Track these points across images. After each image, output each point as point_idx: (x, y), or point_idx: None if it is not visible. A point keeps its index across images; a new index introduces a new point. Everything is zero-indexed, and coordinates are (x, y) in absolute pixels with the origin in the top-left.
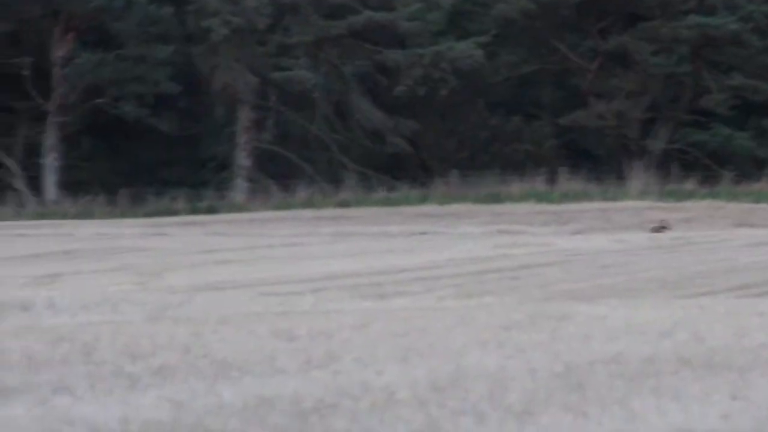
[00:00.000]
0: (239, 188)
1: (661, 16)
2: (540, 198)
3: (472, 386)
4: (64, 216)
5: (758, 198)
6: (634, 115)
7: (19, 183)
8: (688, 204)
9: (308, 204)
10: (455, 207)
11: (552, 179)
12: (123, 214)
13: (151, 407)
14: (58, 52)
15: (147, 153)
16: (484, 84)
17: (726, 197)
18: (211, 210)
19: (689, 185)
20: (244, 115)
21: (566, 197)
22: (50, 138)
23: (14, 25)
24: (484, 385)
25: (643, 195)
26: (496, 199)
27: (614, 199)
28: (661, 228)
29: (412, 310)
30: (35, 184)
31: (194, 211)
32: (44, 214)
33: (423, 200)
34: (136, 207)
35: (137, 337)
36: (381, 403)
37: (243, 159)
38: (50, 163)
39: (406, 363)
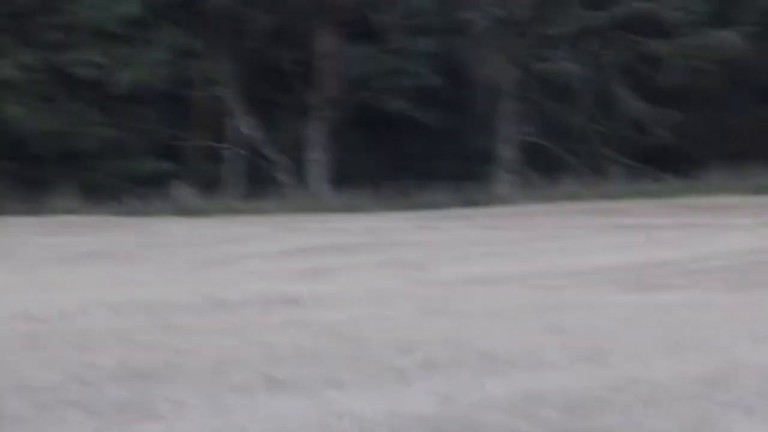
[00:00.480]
0: (503, 181)
1: None
2: None
3: (742, 381)
4: (331, 210)
5: None
6: None
7: (286, 177)
8: None
9: (572, 196)
10: (721, 199)
11: None
12: (389, 208)
13: (419, 401)
14: (323, 46)
15: (412, 146)
16: (749, 73)
17: None
18: (475, 203)
19: None
20: (507, 107)
21: None
22: (315, 132)
23: (279, 19)
24: (755, 380)
25: None
26: (764, 190)
27: None
28: None
29: (679, 304)
30: (302, 178)
31: (459, 204)
32: (311, 208)
33: (688, 192)
34: (402, 200)
35: (406, 331)
36: (650, 397)
37: (506, 151)
38: (316, 157)
39: (674, 357)
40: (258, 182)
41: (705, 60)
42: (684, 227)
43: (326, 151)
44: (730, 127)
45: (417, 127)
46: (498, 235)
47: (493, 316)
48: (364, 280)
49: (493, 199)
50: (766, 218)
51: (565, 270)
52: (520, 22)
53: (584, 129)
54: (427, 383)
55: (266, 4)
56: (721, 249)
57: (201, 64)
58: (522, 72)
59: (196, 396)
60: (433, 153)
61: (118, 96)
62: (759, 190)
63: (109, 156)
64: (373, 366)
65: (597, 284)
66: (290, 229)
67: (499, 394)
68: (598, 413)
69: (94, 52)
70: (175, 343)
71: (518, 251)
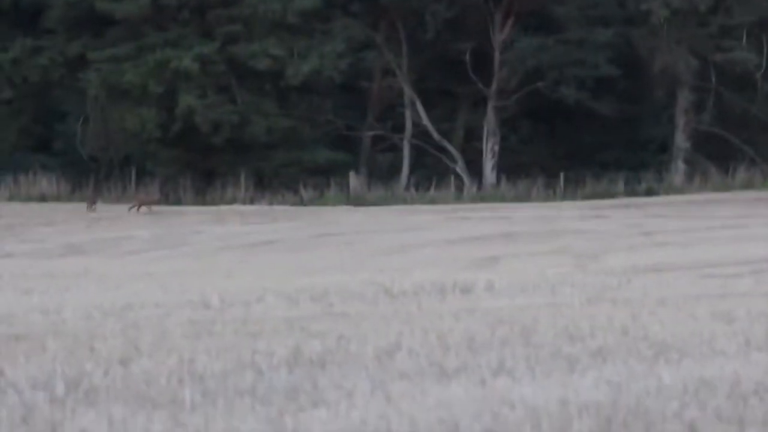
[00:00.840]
0: (678, 170)
1: None
2: None
3: None
4: (503, 199)
5: None
6: None
7: (460, 167)
8: None
9: (748, 185)
10: None
11: None
12: (561, 197)
13: (590, 389)
14: (499, 36)
15: (586, 136)
16: None
17: None
18: (649, 192)
19: None
20: (684, 97)
21: None
22: (490, 122)
23: (457, 11)
24: None
25: None
26: None
27: None
28: None
29: None
30: (475, 168)
31: (632, 193)
32: (483, 197)
33: None
34: (575, 190)
35: (576, 320)
36: None
37: (682, 141)
38: (490, 147)
39: None
40: (432, 172)
41: None
42: None
43: (500, 142)
44: None
45: (592, 117)
46: (671, 224)
47: (665, 305)
48: (536, 268)
49: (667, 188)
50: None
51: (739, 259)
52: (700, 13)
53: (762, 118)
54: (598, 371)
55: None
56: None
57: (378, 56)
58: (700, 62)
59: (365, 383)
60: (607, 142)
61: (294, 87)
62: None
63: (284, 146)
64: (544, 354)
65: None
66: (463, 218)
67: (670, 383)
68: None
69: (272, 44)
70: (347, 331)
71: (692, 240)
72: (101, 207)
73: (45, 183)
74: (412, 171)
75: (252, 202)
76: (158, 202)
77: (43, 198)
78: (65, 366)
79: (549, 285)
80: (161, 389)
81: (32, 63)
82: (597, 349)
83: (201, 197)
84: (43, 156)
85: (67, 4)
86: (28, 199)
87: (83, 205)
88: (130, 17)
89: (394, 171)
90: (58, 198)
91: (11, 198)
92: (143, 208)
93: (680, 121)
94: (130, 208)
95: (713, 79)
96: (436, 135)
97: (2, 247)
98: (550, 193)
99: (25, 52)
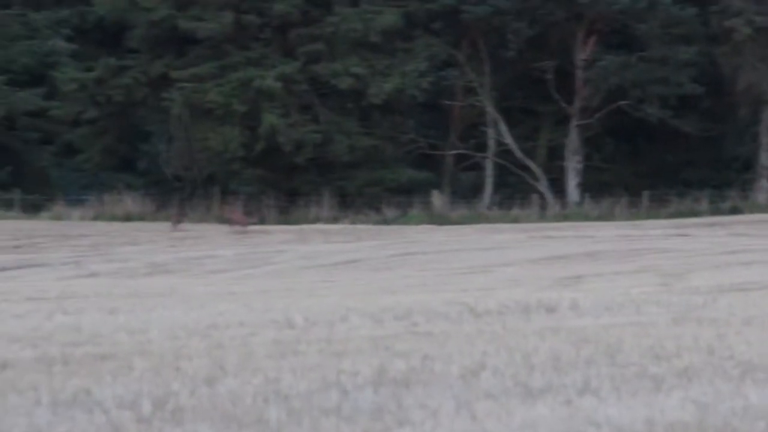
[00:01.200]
0: (762, 188)
1: None
2: None
3: None
4: (586, 218)
5: None
6: None
7: (542, 186)
8: None
9: None
10: None
11: None
12: (645, 216)
13: (676, 409)
14: (581, 54)
15: (669, 154)
16: None
17: None
18: (734, 211)
19: None
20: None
21: None
22: (572, 141)
23: (540, 29)
24: None
25: None
26: None
27: None
28: None
29: None
30: (558, 186)
31: (717, 211)
32: (567, 216)
33: None
34: (659, 208)
35: (661, 339)
36: None
37: (766, 159)
38: (572, 165)
39: None
40: (515, 190)
41: None
42: None
43: (583, 160)
44: None
45: (675, 135)
46: (757, 242)
47: (751, 324)
48: (620, 287)
49: (752, 207)
50: None
51: None
52: None
53: None
54: (685, 391)
55: (526, 14)
56: None
57: (460, 74)
58: None
59: (450, 402)
60: (691, 161)
61: (377, 106)
62: None
63: (366, 165)
64: (629, 373)
65: None
66: (546, 236)
67: (758, 402)
68: None
69: (354, 63)
70: (431, 350)
71: None
72: (186, 226)
73: (129, 202)
74: (495, 190)
75: (335, 221)
76: (249, 223)
77: (127, 217)
78: (151, 385)
79: (634, 304)
80: (246, 409)
81: (116, 82)
82: (683, 369)
83: (284, 216)
84: (128, 175)
85: (151, 24)
86: (113, 218)
87: (168, 225)
88: (212, 36)
89: (476, 190)
90: (142, 217)
91: (96, 217)
92: (237, 227)
93: (764, 139)
94: (229, 223)
95: None
96: (518, 153)
97: (88, 266)
98: (634, 212)
99: (109, 72)
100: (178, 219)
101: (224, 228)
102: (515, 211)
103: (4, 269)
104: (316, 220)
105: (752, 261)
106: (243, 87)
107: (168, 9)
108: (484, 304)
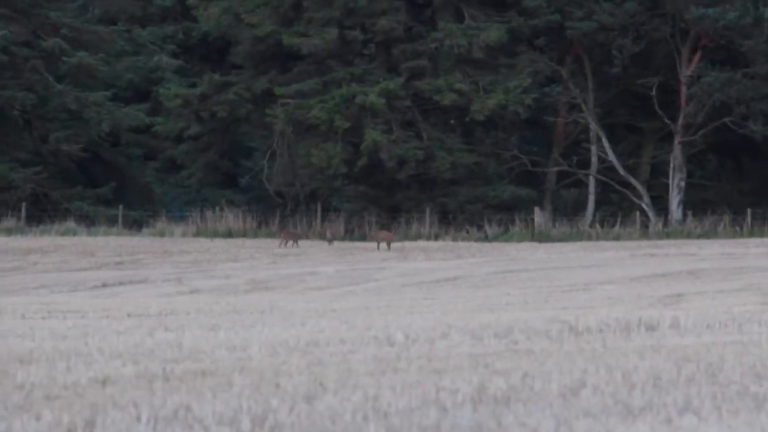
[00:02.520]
0: None
1: None
2: None
3: None
4: (689, 236)
5: None
6: None
7: (645, 203)
8: None
9: None
10: None
11: None
12: (748, 234)
13: None
14: (686, 71)
15: None
16: None
17: None
18: None
19: None
20: None
21: None
22: (676, 158)
23: (644, 46)
24: None
25: None
26: None
27: None
28: None
29: None
30: (661, 204)
31: None
32: (669, 234)
33: None
34: (762, 226)
35: (763, 358)
36: None
37: None
38: (676, 183)
39: None
40: (617, 208)
41: None
42: None
43: (687, 177)
44: None
45: None
46: None
47: None
48: (722, 305)
49: None
50: None
51: None
52: None
53: None
54: None
55: (631, 30)
56: None
57: (563, 90)
58: None
59: (549, 421)
60: None
61: (479, 122)
62: None
63: (468, 182)
64: (731, 393)
65: None
66: (648, 254)
67: None
68: None
69: (457, 79)
70: (531, 368)
71: None
72: (298, 245)
73: (231, 218)
74: (597, 207)
75: (436, 238)
76: (299, 237)
77: (229, 233)
78: (251, 402)
79: (736, 323)
80: (346, 426)
81: (220, 98)
82: None
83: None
84: (230, 191)
85: (255, 39)
86: (215, 234)
87: (269, 241)
88: (316, 52)
89: (579, 207)
90: (244, 234)
91: (198, 234)
92: (289, 243)
93: None
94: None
95: None
96: (621, 170)
97: (189, 282)
98: (737, 230)
99: (213, 88)
100: (293, 237)
101: (325, 245)
102: (617, 229)
103: (106, 285)
104: (417, 237)
105: None
106: (346, 103)
107: (272, 25)
108: (585, 322)
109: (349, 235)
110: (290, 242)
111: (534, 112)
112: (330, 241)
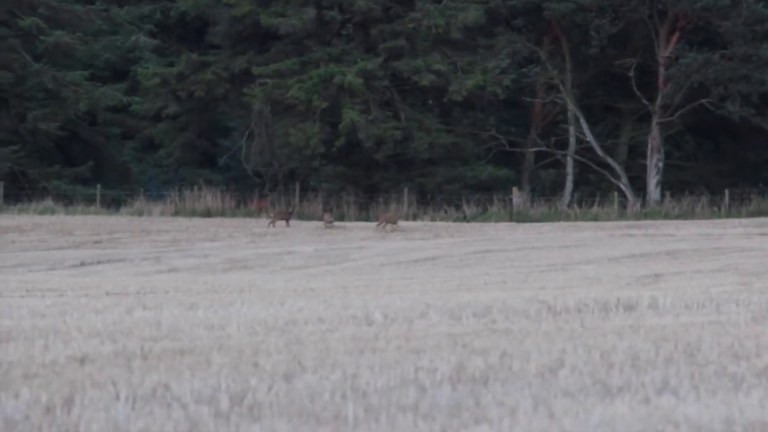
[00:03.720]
0: None
1: None
2: None
3: None
4: (667, 216)
5: None
6: None
7: (623, 184)
8: None
9: None
10: None
11: None
12: (726, 214)
13: (755, 408)
14: (664, 52)
15: (751, 152)
16: None
17: None
18: None
19: None
20: None
21: None
22: (654, 138)
23: (622, 27)
24: None
25: None
26: None
27: None
28: None
29: None
30: (639, 184)
31: None
32: (647, 214)
33: None
34: (740, 207)
35: (741, 338)
36: None
37: None
38: (654, 163)
39: None
40: (595, 188)
41: None
42: None
43: (664, 158)
44: None
45: (758, 133)
46: None
47: None
48: (700, 286)
49: None
50: None
51: None
52: None
53: None
54: (764, 390)
55: (609, 11)
56: None
57: (541, 71)
58: None
59: (528, 400)
60: None
61: (457, 102)
62: None
63: (446, 162)
64: (709, 372)
65: None
66: (626, 235)
67: None
68: None
69: (435, 60)
70: (509, 348)
71: None
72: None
73: (209, 198)
74: (575, 187)
75: (415, 218)
76: (289, 216)
77: (207, 213)
78: (229, 381)
79: (713, 303)
80: (325, 405)
81: (197, 78)
82: (762, 368)
83: (364, 213)
84: (208, 171)
85: (233, 19)
86: (193, 213)
87: (247, 220)
88: (294, 32)
89: (557, 187)
90: (222, 213)
91: (176, 213)
92: (280, 222)
93: None
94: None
95: None
96: (599, 151)
97: (167, 261)
98: (715, 210)
99: (191, 68)
100: (284, 217)
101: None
102: (595, 209)
103: (84, 264)
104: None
105: None
106: (324, 83)
107: (250, 5)
108: (563, 301)
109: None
110: (279, 221)
111: (512, 92)
112: (329, 222)
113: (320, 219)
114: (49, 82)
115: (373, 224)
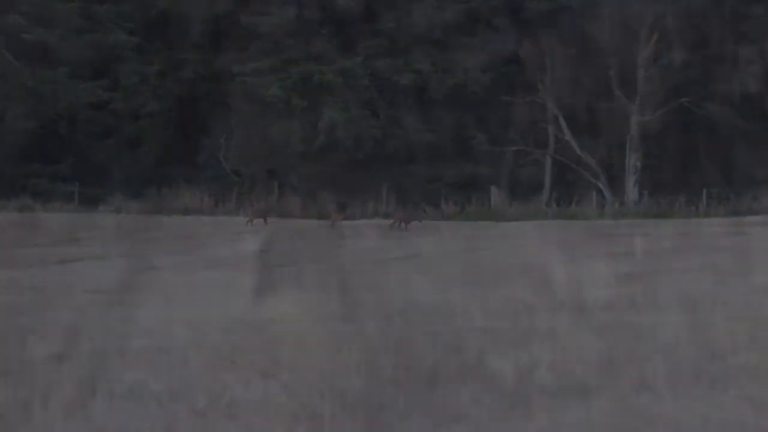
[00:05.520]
0: None
1: None
2: None
3: None
4: (645, 215)
5: None
6: None
7: (602, 183)
8: None
9: None
10: None
11: None
12: (704, 214)
13: (734, 407)
14: (643, 52)
15: (730, 152)
16: None
17: None
18: None
19: None
20: None
21: None
22: (633, 138)
23: (601, 26)
24: None
25: None
26: None
27: None
28: None
29: None
30: (617, 183)
31: None
32: (625, 213)
33: None
34: (718, 206)
35: (719, 337)
36: None
37: None
38: (632, 162)
39: None
40: (573, 187)
41: None
42: None
43: (642, 157)
44: None
45: (737, 133)
46: None
47: None
48: (678, 285)
49: None
50: None
51: None
52: None
53: None
54: (742, 390)
55: (588, 12)
56: None
57: (521, 70)
58: None
59: (504, 400)
60: (752, 159)
61: (437, 101)
62: None
63: (425, 160)
64: (686, 371)
65: None
66: (605, 234)
67: None
68: None
69: (415, 58)
70: (486, 347)
71: None
72: (270, 222)
73: (188, 196)
74: (553, 186)
75: (393, 216)
76: (271, 215)
77: (186, 211)
78: (207, 379)
79: (691, 302)
80: (301, 403)
81: (177, 76)
82: (739, 367)
83: (343, 212)
84: (187, 169)
85: (213, 18)
86: (172, 212)
87: (226, 219)
88: (274, 31)
89: (535, 186)
90: (201, 211)
91: (155, 211)
92: (258, 220)
93: None
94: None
95: None
96: (578, 150)
97: (146, 259)
98: (693, 210)
99: (170, 66)
100: (262, 215)
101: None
102: (573, 208)
103: (62, 262)
104: (374, 215)
105: None
106: (303, 82)
107: (230, 4)
108: (539, 301)
109: (306, 213)
110: (257, 220)
111: (491, 91)
112: (334, 222)
113: (323, 218)
114: (29, 80)
115: (355, 222)
